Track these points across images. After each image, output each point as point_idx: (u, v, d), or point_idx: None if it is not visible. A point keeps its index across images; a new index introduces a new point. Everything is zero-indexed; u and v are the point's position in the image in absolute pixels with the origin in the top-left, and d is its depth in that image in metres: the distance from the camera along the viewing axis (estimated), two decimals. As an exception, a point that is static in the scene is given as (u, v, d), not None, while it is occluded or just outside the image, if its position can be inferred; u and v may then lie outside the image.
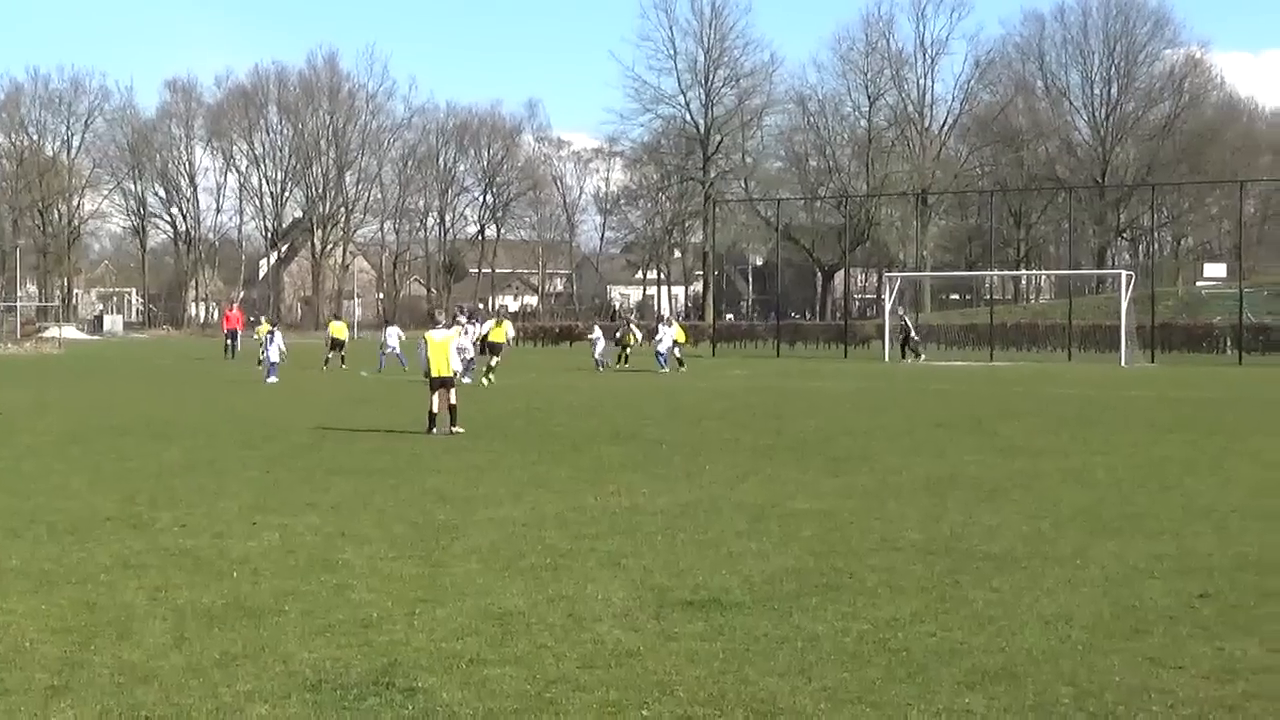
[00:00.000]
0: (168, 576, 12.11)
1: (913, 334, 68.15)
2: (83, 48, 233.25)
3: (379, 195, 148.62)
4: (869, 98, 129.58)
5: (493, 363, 46.38)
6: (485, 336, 48.49)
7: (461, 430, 25.66)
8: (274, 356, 45.96)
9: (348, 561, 12.79)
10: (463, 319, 45.43)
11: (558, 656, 9.41)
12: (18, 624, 10.35)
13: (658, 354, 55.77)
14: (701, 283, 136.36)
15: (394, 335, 54.55)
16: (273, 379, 44.73)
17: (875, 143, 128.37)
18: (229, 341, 65.71)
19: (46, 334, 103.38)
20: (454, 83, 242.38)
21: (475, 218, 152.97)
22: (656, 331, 58.80)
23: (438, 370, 26.12)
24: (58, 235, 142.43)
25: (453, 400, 26.14)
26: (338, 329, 58.04)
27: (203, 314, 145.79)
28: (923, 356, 66.17)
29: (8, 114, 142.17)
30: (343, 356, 55.42)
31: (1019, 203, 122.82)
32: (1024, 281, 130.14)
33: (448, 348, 26.42)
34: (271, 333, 47.61)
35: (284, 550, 13.39)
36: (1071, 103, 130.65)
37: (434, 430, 25.74)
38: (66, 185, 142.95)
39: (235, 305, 78.04)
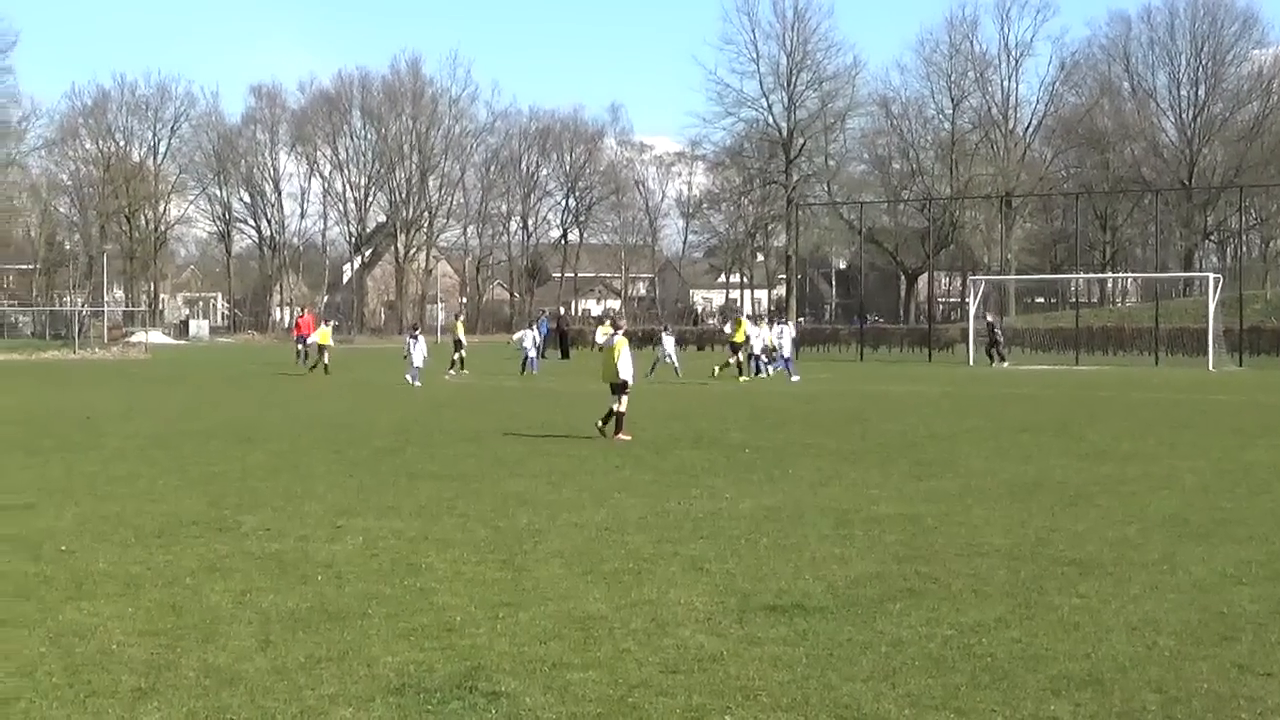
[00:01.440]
0: (252, 580, 12.19)
1: (998, 337, 67.38)
2: (169, 54, 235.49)
3: (461, 200, 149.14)
4: (952, 100, 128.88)
5: (731, 360, 49.57)
6: (732, 337, 51.11)
7: (628, 438, 25.43)
8: (418, 361, 46.14)
9: (431, 565, 12.82)
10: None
11: (640, 661, 9.40)
12: (105, 626, 10.44)
13: (785, 360, 51.41)
14: (785, 286, 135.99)
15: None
16: (417, 383, 45.12)
17: (959, 145, 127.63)
18: (300, 347, 65.32)
19: (133, 339, 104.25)
20: (536, 87, 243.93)
21: (558, 222, 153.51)
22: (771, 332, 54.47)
23: (614, 375, 26.07)
24: (144, 240, 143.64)
25: (621, 407, 25.90)
26: (457, 328, 58.28)
27: (287, 319, 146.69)
28: (1006, 361, 65.56)
29: (95, 120, 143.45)
30: (463, 358, 54.35)
31: (1104, 205, 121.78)
32: (1110, 285, 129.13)
33: (621, 353, 26.26)
34: (415, 337, 47.58)
35: (367, 554, 13.44)
36: (1158, 104, 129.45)
37: (604, 428, 25.86)
38: (153, 191, 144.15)
39: (306, 310, 78.04)
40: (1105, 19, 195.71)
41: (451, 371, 52.17)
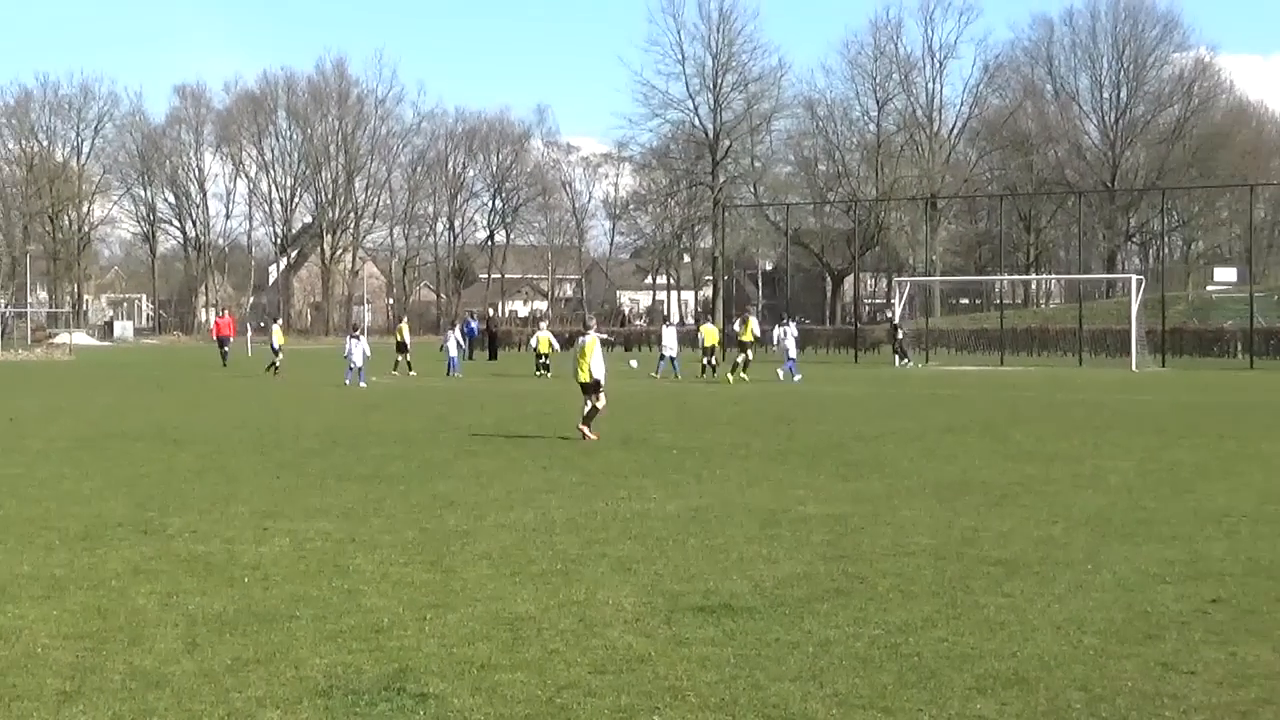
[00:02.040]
0: (179, 582, 12.13)
1: (900, 335, 67.01)
2: (92, 54, 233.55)
3: (388, 201, 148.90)
4: (878, 102, 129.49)
5: (739, 360, 49.79)
6: (739, 336, 51.20)
7: (593, 437, 25.64)
8: (358, 360, 46.09)
9: (358, 567, 12.80)
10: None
11: (569, 662, 9.42)
12: (29, 629, 10.37)
13: (790, 361, 50.77)
14: (711, 288, 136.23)
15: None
16: (362, 383, 45.21)
17: (884, 147, 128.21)
18: (223, 349, 64.78)
19: (57, 340, 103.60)
20: (463, 88, 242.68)
21: (484, 223, 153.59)
22: (774, 334, 54.38)
23: (580, 377, 26.31)
24: (68, 241, 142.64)
25: (599, 405, 26.12)
26: (401, 331, 58.51)
27: (212, 320, 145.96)
28: (910, 360, 65.38)
29: (18, 120, 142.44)
30: (409, 361, 55.44)
31: (1028, 207, 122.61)
32: (1034, 286, 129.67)
33: (593, 351, 26.44)
34: (356, 338, 47.47)
35: (295, 556, 13.40)
36: (1081, 107, 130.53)
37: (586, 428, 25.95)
38: (77, 191, 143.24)
39: (226, 311, 77.55)
40: (1028, 22, 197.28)
41: (395, 372, 52.31)
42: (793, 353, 51.02)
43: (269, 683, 8.92)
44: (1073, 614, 10.82)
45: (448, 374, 54.21)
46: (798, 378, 49.20)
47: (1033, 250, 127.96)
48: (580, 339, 27.24)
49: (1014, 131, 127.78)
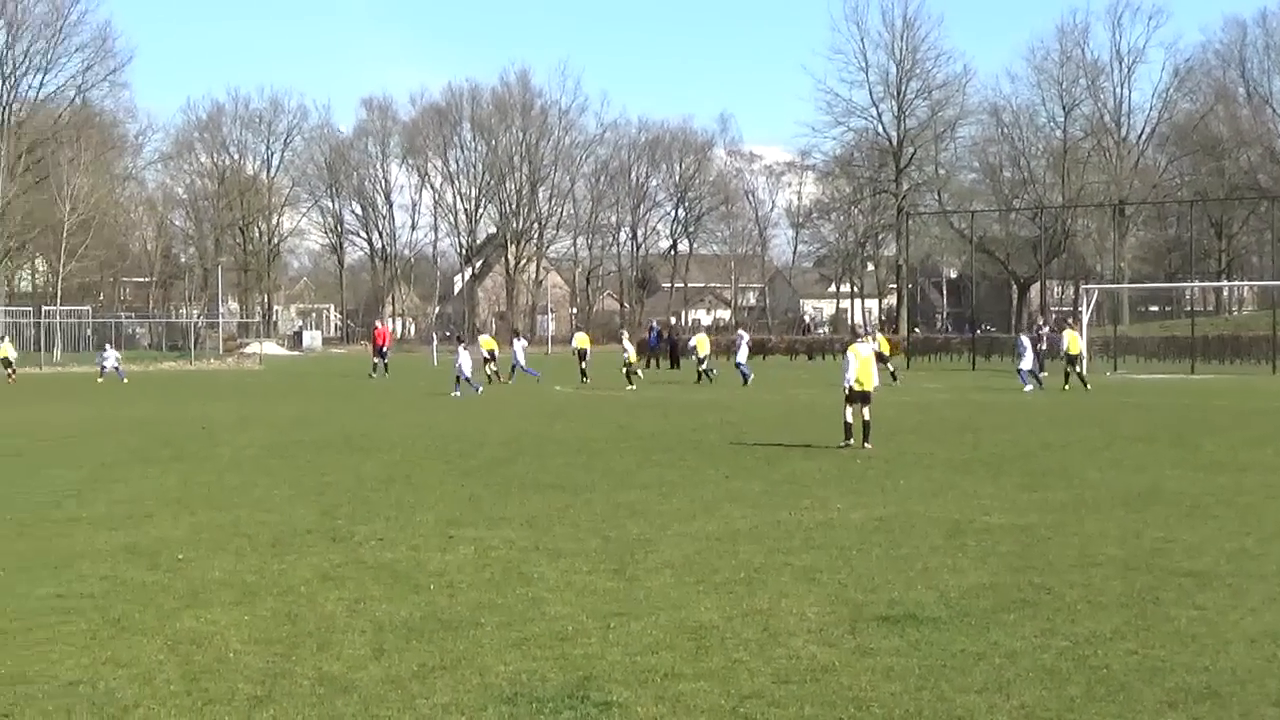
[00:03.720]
0: (366, 589, 12.29)
1: (1039, 348, 62.96)
2: (282, 69, 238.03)
3: (571, 211, 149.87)
4: (1064, 108, 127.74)
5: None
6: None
7: (871, 447, 25.34)
8: (467, 369, 46.47)
9: (542, 575, 12.87)
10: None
11: (752, 671, 9.39)
12: (221, 634, 10.56)
13: (1020, 371, 49.69)
14: (895, 296, 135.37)
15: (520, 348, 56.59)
16: (455, 393, 45.58)
17: (1071, 153, 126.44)
18: (376, 359, 64.43)
19: (247, 349, 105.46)
20: (646, 98, 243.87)
21: (667, 232, 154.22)
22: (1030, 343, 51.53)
23: (861, 384, 25.96)
24: (258, 252, 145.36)
25: (867, 416, 25.85)
26: (581, 340, 58.99)
27: (399, 329, 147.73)
28: (1041, 375, 62.76)
29: (210, 134, 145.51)
30: (584, 370, 55.60)
31: (1220, 213, 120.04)
32: (1226, 293, 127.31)
33: (872, 362, 26.33)
34: (465, 346, 48.00)
35: (480, 563, 13.51)
36: (1275, 109, 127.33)
37: (849, 444, 25.56)
38: (266, 203, 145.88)
39: (381, 322, 78.16)
40: (1220, 24, 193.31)
41: (585, 380, 52.74)
42: (1027, 363, 49.40)
43: (454, 689, 8.99)
44: (1267, 627, 10.58)
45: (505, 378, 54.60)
46: (1029, 388, 47.88)
47: (1225, 256, 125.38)
48: (852, 348, 26.86)
49: (1205, 136, 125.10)
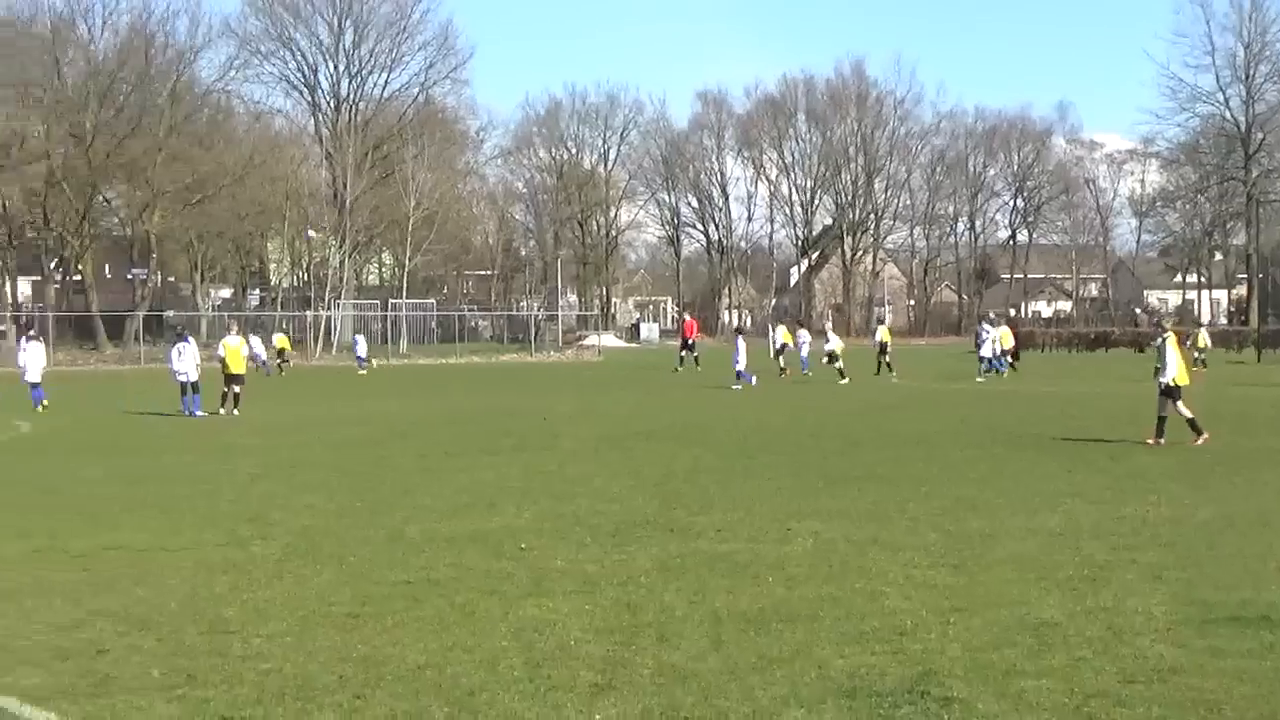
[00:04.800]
0: (705, 580, 12.35)
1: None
2: (618, 63, 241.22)
3: (908, 201, 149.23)
4: None
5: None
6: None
7: (1163, 442, 24.43)
8: (742, 362, 46.92)
9: (881, 568, 12.79)
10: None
11: (1096, 670, 9.18)
12: (563, 623, 10.73)
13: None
14: (1245, 286, 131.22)
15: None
16: (735, 386, 45.96)
17: None
18: (683, 352, 63.66)
19: (587, 342, 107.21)
20: (982, 87, 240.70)
21: (1006, 222, 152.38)
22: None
23: (1180, 379, 25.02)
24: (596, 246, 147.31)
25: (1186, 412, 24.75)
26: (883, 334, 58.61)
27: (736, 321, 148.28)
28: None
29: (548, 129, 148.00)
30: (889, 363, 54.25)
31: None
32: None
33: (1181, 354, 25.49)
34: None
35: (817, 556, 13.48)
36: None
37: (1162, 440, 24.52)
38: (604, 197, 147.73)
39: (689, 314, 78.09)
40: None
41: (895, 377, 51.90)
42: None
43: (793, 681, 8.98)
44: None
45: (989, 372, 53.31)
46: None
47: None
48: (1160, 337, 26.06)
49: None
